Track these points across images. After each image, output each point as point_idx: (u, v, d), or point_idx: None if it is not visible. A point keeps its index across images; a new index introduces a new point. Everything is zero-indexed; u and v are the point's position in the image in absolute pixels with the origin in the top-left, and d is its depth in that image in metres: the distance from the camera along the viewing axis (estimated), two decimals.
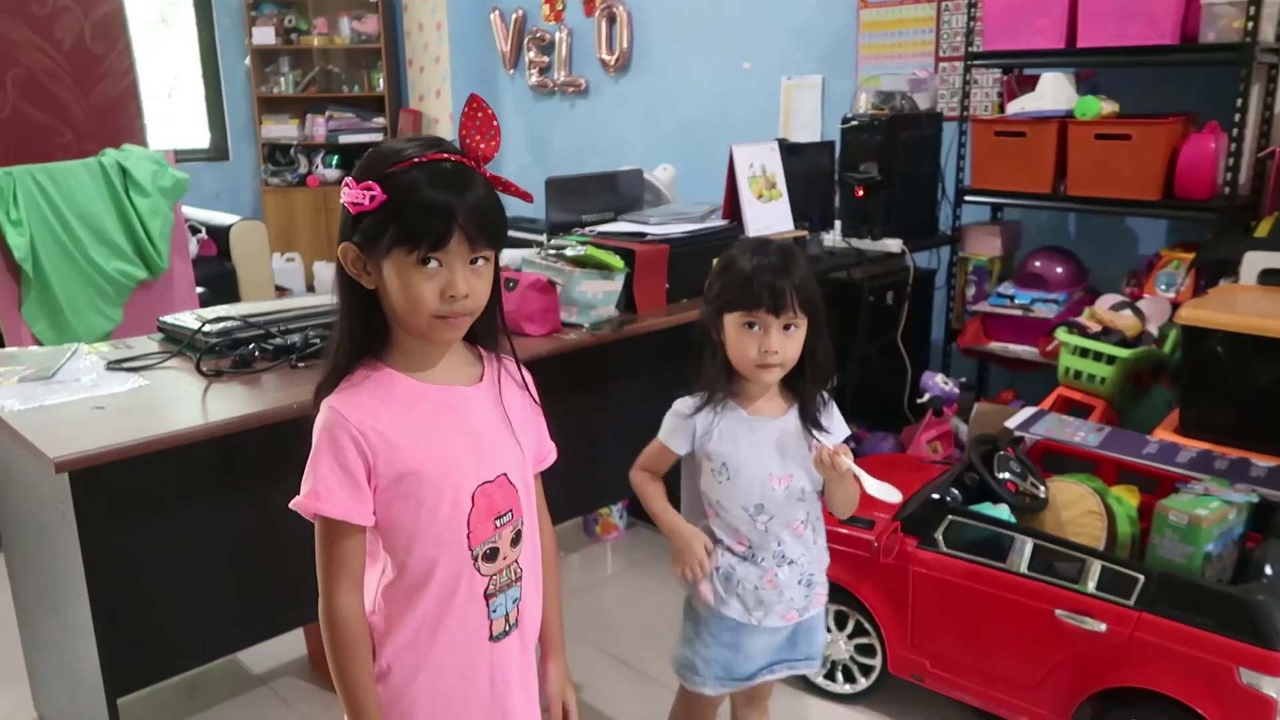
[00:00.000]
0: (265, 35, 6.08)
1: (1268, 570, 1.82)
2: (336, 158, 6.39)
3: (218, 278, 4.76)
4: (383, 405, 1.16)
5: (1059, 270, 3.33)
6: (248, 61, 6.20)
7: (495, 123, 1.16)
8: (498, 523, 1.21)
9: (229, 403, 1.82)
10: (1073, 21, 2.98)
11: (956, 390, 3.16)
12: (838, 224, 3.40)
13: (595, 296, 2.32)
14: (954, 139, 3.48)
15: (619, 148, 5.04)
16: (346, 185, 1.11)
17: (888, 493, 1.49)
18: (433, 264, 1.10)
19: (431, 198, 1.09)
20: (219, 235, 4.94)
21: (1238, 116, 2.79)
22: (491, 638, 1.23)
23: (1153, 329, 2.96)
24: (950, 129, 3.54)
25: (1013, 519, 2.11)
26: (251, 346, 2.04)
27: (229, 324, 2.11)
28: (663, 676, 2.22)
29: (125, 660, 1.74)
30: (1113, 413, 2.87)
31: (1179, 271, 3.04)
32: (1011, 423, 2.57)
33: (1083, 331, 2.93)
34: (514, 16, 5.52)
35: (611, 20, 4.99)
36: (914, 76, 3.53)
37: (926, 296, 3.61)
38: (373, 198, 1.09)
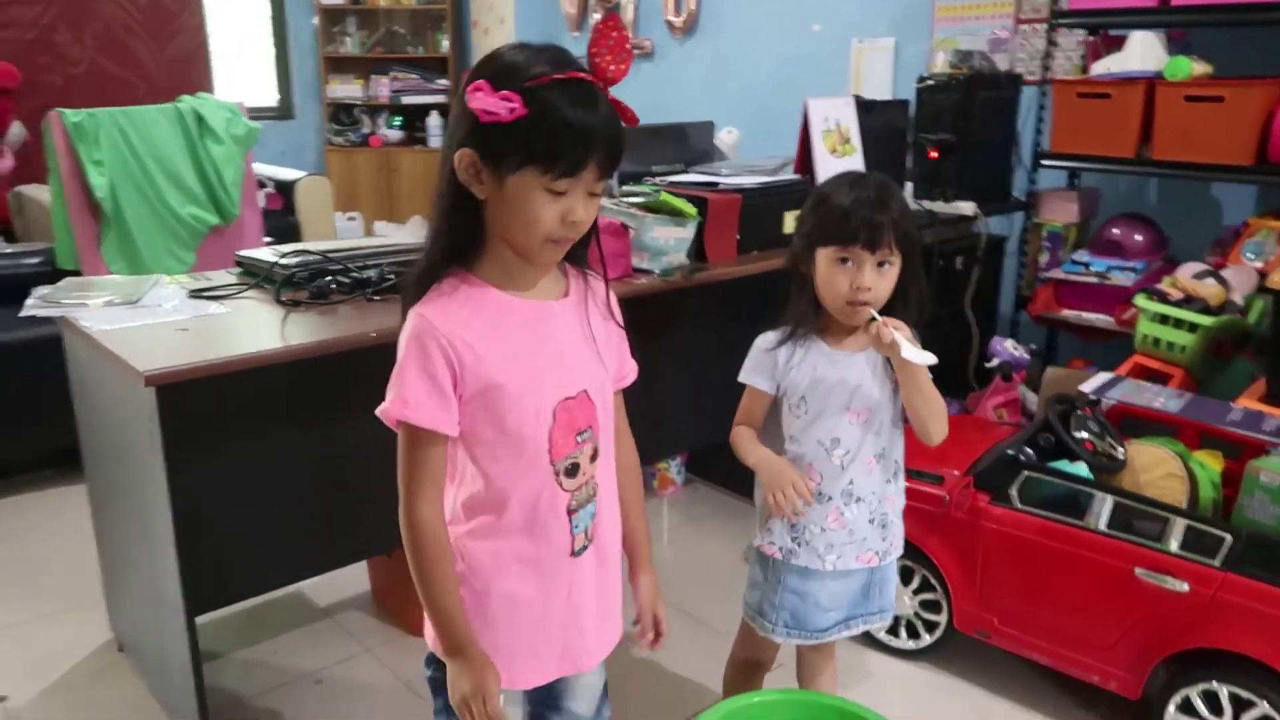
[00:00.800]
0: None
1: None
2: (399, 119, 6.43)
3: (282, 231, 4.80)
4: (473, 316, 1.15)
5: (1138, 238, 3.23)
6: (315, 21, 6.25)
7: (629, 45, 1.12)
8: (579, 439, 1.21)
9: (308, 329, 1.84)
10: None
11: (1026, 356, 3.10)
12: (909, 185, 3.33)
13: (667, 243, 2.30)
14: (1032, 102, 3.39)
15: (684, 111, 4.95)
16: (477, 90, 1.04)
17: (922, 356, 1.44)
18: (561, 185, 1.07)
19: (574, 121, 1.04)
20: (285, 190, 4.99)
21: None
22: (572, 553, 1.22)
23: (1237, 298, 2.87)
24: (1028, 93, 3.45)
25: (1090, 478, 2.06)
26: (329, 279, 2.06)
27: (307, 258, 2.14)
28: (720, 625, 2.22)
29: (204, 579, 1.77)
30: (1191, 383, 2.79)
31: (1268, 240, 2.94)
32: (1086, 387, 2.51)
33: (1163, 298, 2.85)
34: None
35: None
36: (994, 36, 3.44)
37: (996, 263, 3.53)
38: (511, 109, 1.03)
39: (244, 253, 2.27)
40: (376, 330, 1.81)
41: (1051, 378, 2.96)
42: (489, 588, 1.21)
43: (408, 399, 1.14)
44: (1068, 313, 3.26)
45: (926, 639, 2.23)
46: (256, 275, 2.16)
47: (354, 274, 2.08)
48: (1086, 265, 3.24)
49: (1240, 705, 1.78)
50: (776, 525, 1.62)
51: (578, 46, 5.73)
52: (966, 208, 3.24)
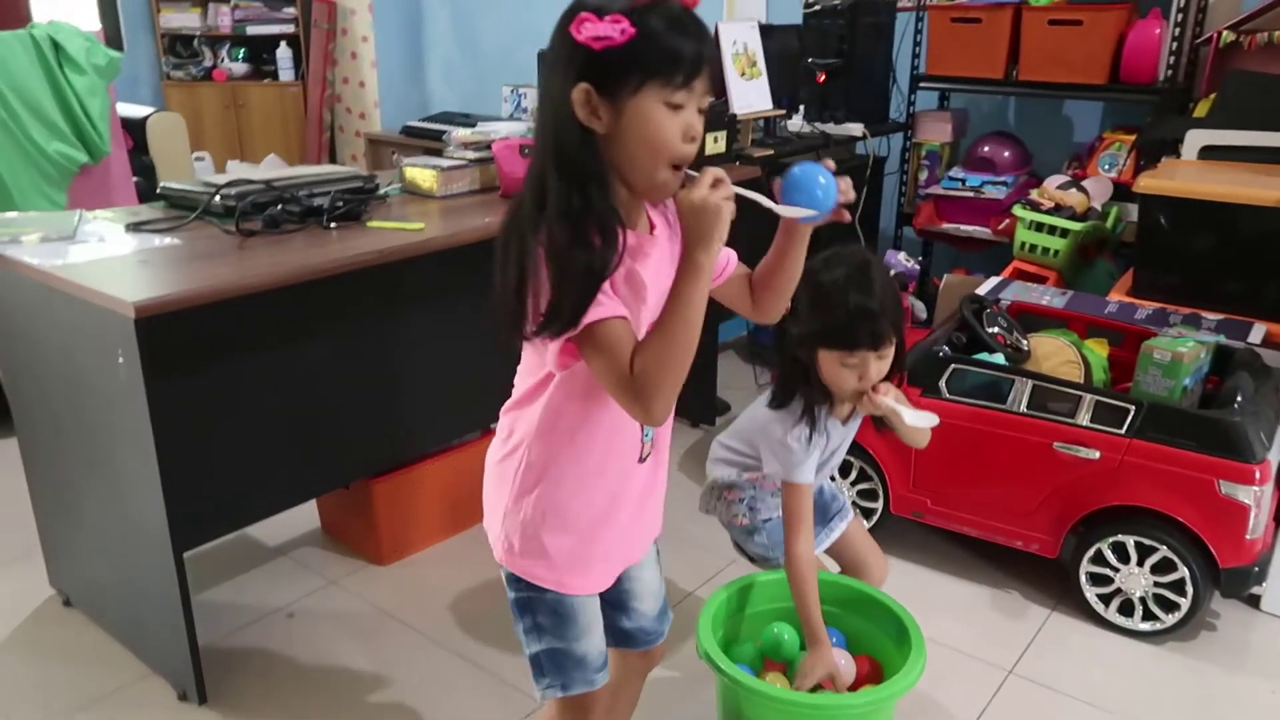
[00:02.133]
0: None
1: (1239, 398, 2.05)
2: (244, 50, 6.06)
3: (138, 172, 4.50)
4: None
5: (1006, 154, 3.52)
6: None
7: None
8: None
9: (279, 256, 1.80)
10: None
11: (917, 267, 3.33)
12: (801, 108, 3.48)
13: None
14: (907, 27, 3.60)
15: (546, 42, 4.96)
16: (584, 22, 1.05)
17: (925, 419, 1.60)
18: (679, 98, 1.07)
19: (685, 33, 1.07)
20: (132, 128, 4.64)
21: (1181, 2, 2.98)
22: (640, 459, 1.27)
23: (1097, 206, 3.19)
24: (902, 19, 3.65)
25: (1008, 367, 2.29)
26: (280, 208, 2.00)
27: (247, 188, 2.07)
28: (702, 540, 2.35)
29: (189, 514, 1.73)
30: (1063, 284, 3.10)
31: (1120, 152, 3.27)
32: (982, 290, 2.75)
33: (1036, 208, 3.13)
34: None
35: None
36: None
37: (877, 181, 3.75)
38: (623, 30, 1.04)
39: (170, 184, 2.17)
40: (383, 249, 1.82)
41: (948, 284, 3.21)
42: (569, 502, 1.24)
43: (603, 302, 1.07)
44: (947, 226, 3.52)
45: (865, 525, 2.43)
46: (191, 207, 2.08)
47: (304, 203, 2.04)
48: (963, 181, 3.50)
49: (1144, 552, 2.06)
50: (767, 499, 1.77)
51: None
52: (855, 129, 3.42)
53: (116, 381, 1.65)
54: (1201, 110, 3.03)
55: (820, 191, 1.15)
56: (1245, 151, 2.80)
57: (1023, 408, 2.16)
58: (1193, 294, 2.60)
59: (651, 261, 1.16)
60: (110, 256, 1.77)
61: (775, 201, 1.16)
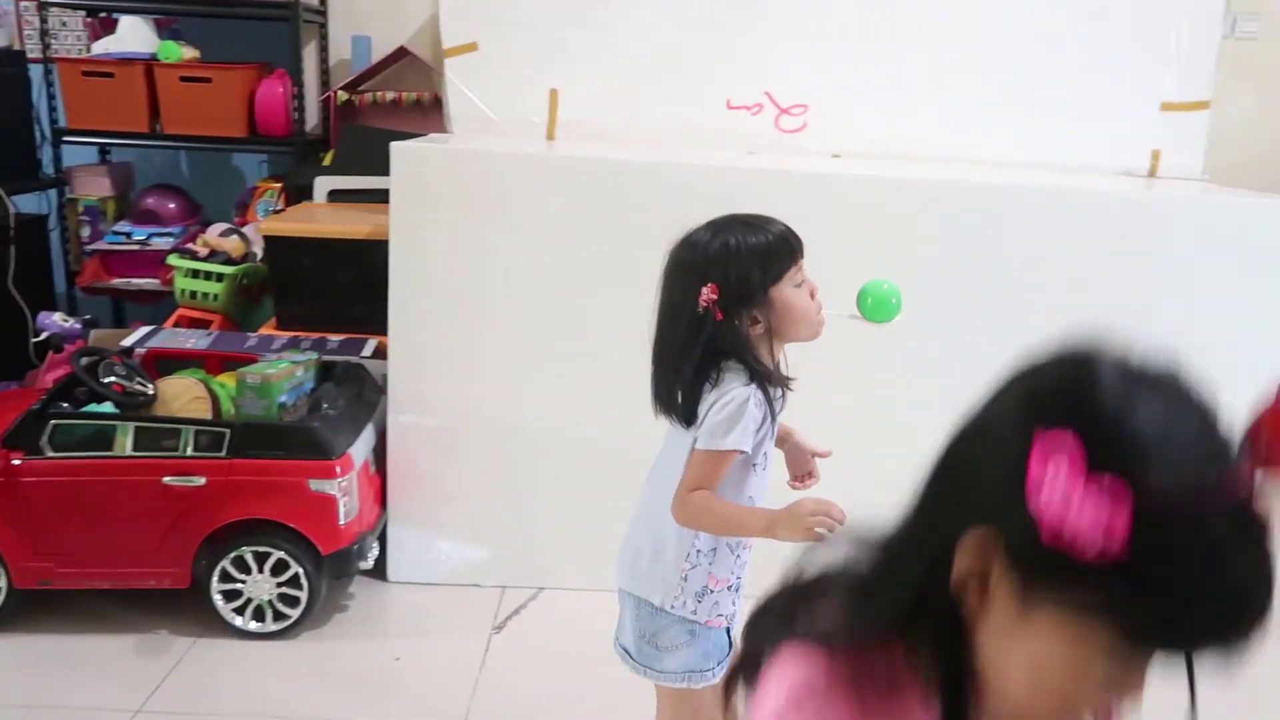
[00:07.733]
0: None
1: (325, 406, 2.33)
2: None
3: None
4: None
5: (172, 206, 3.56)
6: None
7: None
8: None
9: None
10: None
11: (78, 326, 3.18)
12: None
13: None
14: (42, 80, 3.43)
15: None
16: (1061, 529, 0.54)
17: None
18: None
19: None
20: None
21: (300, 64, 3.32)
22: None
23: (257, 250, 3.39)
24: (39, 70, 3.47)
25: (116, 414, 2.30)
26: None
27: None
28: None
29: None
30: (231, 325, 3.22)
31: (273, 199, 3.52)
32: (128, 340, 2.74)
33: (194, 256, 3.22)
34: None
35: None
36: None
37: (40, 241, 3.53)
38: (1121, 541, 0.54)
39: None
40: None
41: (95, 338, 3.11)
42: None
43: None
44: (117, 281, 3.45)
45: None
46: None
47: None
48: (128, 235, 3.45)
49: (261, 559, 2.23)
50: (724, 596, 1.45)
51: None
52: None
53: None
54: (328, 159, 3.40)
55: None
56: (361, 194, 3.22)
57: (129, 451, 2.19)
58: (325, 320, 2.90)
59: None
60: None
61: None
